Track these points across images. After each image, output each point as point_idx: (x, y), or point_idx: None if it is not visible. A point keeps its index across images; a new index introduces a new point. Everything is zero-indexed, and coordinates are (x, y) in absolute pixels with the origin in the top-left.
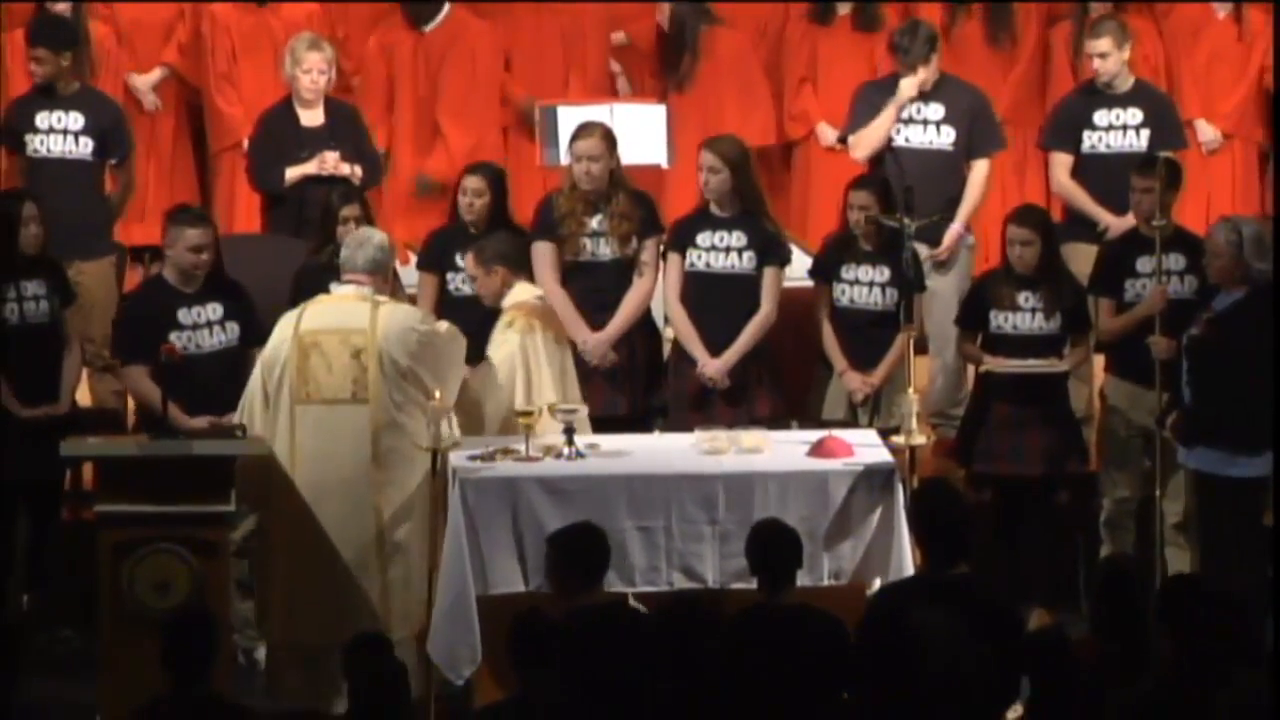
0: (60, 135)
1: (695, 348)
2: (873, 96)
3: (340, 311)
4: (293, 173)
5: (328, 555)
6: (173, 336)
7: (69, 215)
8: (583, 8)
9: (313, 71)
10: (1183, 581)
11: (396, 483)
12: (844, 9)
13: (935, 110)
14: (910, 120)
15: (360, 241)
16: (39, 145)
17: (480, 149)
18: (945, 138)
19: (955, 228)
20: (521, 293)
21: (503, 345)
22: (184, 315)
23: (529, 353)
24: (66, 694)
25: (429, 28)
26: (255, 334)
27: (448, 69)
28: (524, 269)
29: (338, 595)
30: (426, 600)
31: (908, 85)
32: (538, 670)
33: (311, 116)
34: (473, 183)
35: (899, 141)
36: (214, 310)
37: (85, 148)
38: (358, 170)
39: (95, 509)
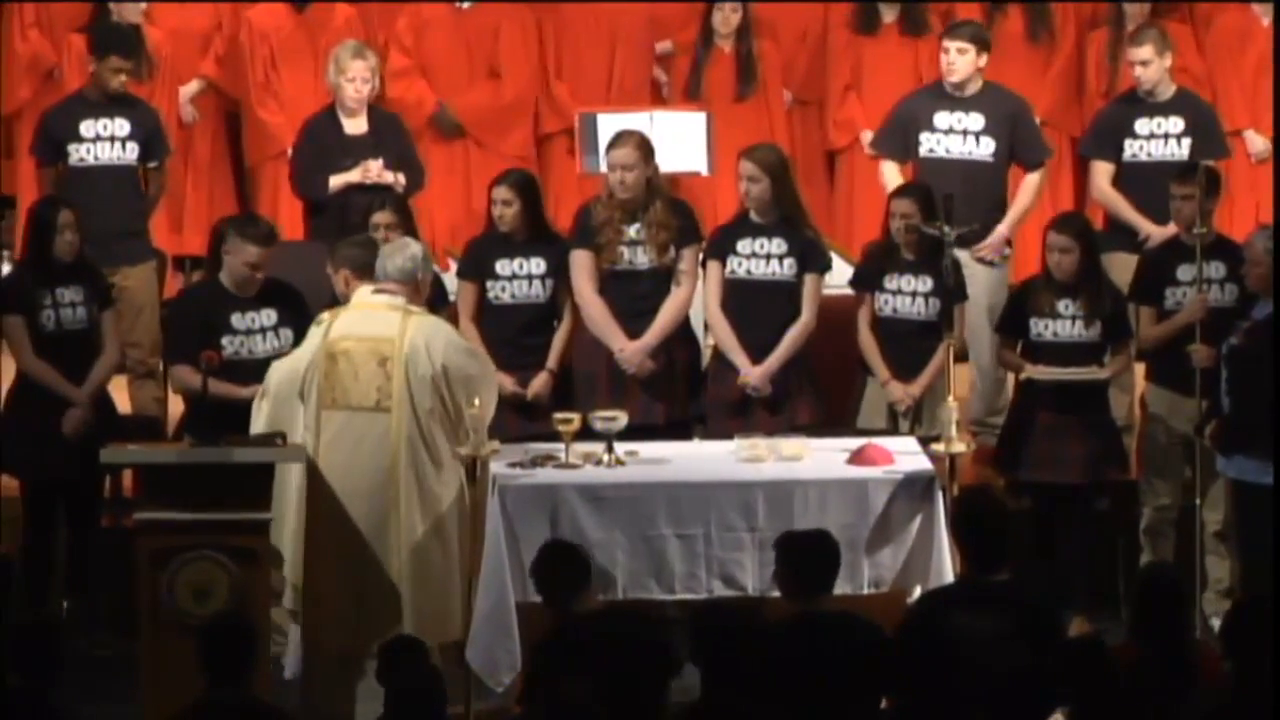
0: (108, 142)
1: (737, 355)
2: (905, 116)
3: (370, 319)
4: (336, 181)
5: (355, 561)
6: (225, 340)
7: (116, 221)
8: (626, 13)
9: (356, 80)
10: (1249, 605)
11: (422, 492)
12: (889, 16)
13: (975, 120)
14: (950, 130)
15: (391, 251)
16: (85, 154)
17: (517, 107)
18: (985, 148)
19: (1001, 230)
20: (359, 296)
21: (307, 341)
22: (237, 320)
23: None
24: (105, 700)
25: (467, 4)
26: None
27: (505, 37)
28: (369, 273)
29: (365, 601)
30: (460, 611)
31: None
32: (569, 677)
33: (355, 124)
34: (500, 193)
35: (939, 152)
36: (268, 316)
37: (131, 153)
38: (401, 178)
39: (135, 516)
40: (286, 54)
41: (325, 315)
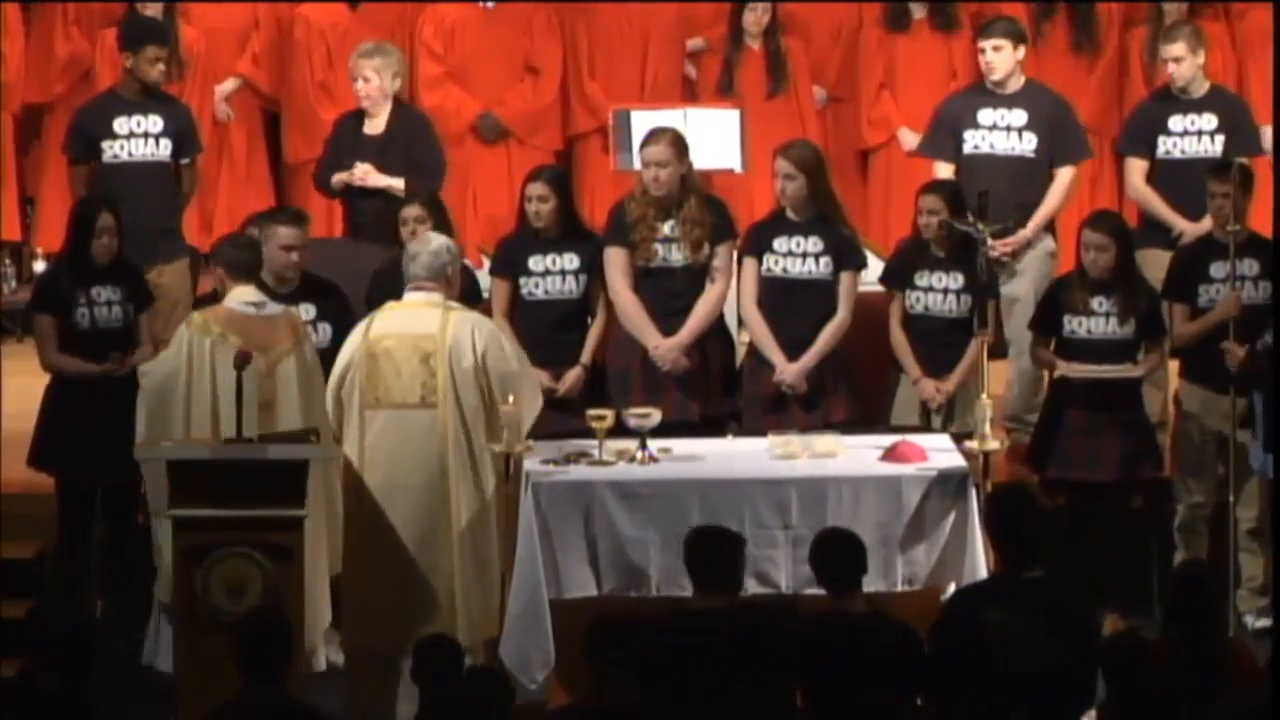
0: (142, 139)
1: (772, 352)
2: (949, 116)
3: (411, 317)
4: (337, 180)
5: (398, 559)
6: None
7: (149, 218)
8: (658, 11)
9: (359, 80)
10: None
11: (468, 488)
12: (919, 13)
13: (1018, 116)
14: (994, 126)
15: (417, 250)
16: (119, 150)
17: (555, 104)
18: (1027, 144)
19: (1024, 232)
20: (232, 297)
21: (171, 342)
22: None
23: (193, 351)
24: (140, 697)
25: (492, 3)
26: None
27: (539, 34)
28: (243, 274)
29: (409, 600)
30: (498, 608)
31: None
32: (615, 673)
33: (373, 125)
34: (537, 189)
35: (984, 148)
36: (306, 311)
37: (165, 150)
38: (398, 184)
39: (169, 513)
40: (342, 52)
41: (195, 315)
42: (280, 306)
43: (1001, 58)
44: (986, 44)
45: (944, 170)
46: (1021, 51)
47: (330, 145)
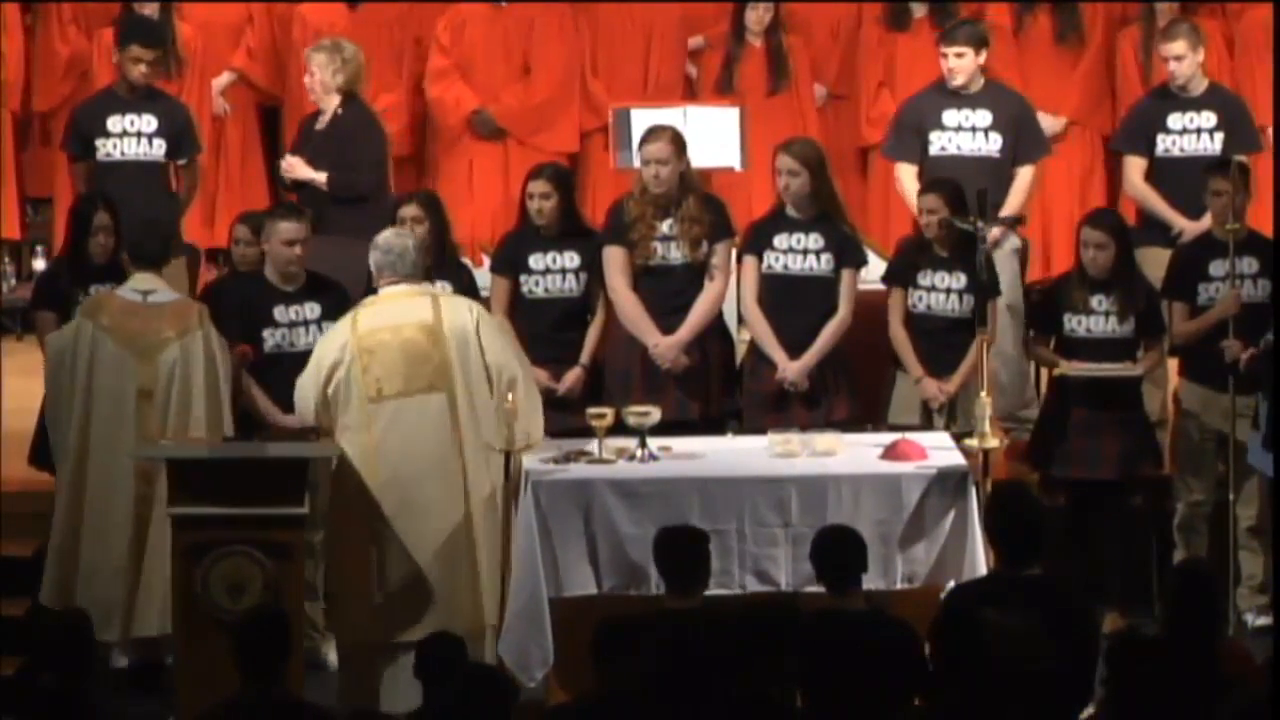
0: (135, 138)
1: (773, 350)
2: (913, 118)
3: (401, 308)
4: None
5: (413, 552)
6: (266, 333)
7: (144, 217)
8: (660, 10)
9: (305, 74)
10: None
11: (481, 471)
12: (919, 11)
13: (983, 117)
14: (959, 128)
15: (400, 251)
16: (112, 149)
17: (553, 103)
18: (993, 144)
19: (994, 231)
20: (128, 283)
21: (71, 325)
22: (280, 313)
23: (80, 330)
24: (140, 695)
25: (505, 1)
26: None
27: (539, 33)
28: (141, 262)
29: (426, 592)
30: (499, 598)
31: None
32: (619, 669)
33: (323, 119)
34: (539, 187)
35: (950, 149)
36: (311, 309)
37: (159, 149)
38: (320, 177)
39: (168, 511)
40: None
41: (92, 295)
42: (175, 295)
43: (965, 63)
44: (949, 50)
45: (908, 173)
46: (983, 56)
47: (295, 140)
